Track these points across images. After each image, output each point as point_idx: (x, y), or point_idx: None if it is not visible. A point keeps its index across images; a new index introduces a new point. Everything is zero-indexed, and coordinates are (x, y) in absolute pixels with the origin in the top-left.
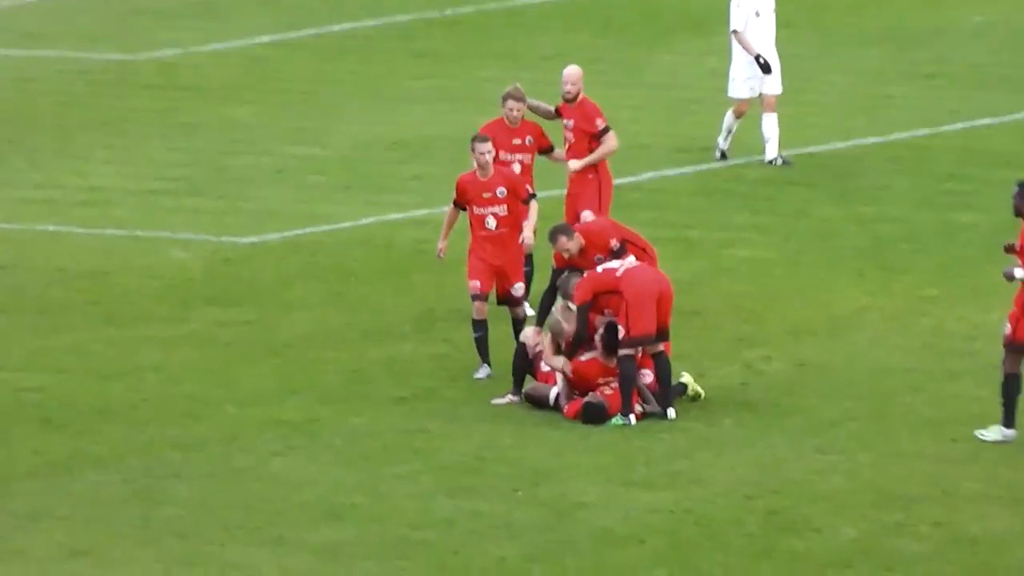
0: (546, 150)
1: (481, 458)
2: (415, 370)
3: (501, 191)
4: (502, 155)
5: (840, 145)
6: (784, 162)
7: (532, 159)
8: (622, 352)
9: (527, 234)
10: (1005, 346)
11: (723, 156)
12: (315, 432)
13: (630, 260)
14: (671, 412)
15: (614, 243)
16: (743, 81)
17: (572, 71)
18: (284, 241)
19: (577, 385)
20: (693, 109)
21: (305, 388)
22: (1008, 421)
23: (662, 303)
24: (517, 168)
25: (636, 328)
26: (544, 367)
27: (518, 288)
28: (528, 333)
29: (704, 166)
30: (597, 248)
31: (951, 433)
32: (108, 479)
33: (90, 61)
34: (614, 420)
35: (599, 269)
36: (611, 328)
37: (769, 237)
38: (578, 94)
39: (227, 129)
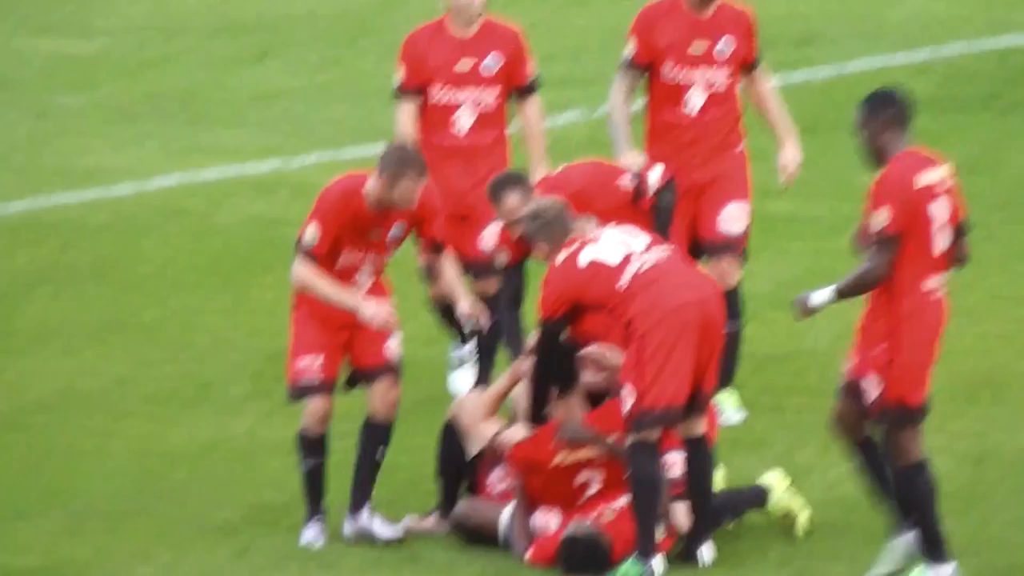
0: (523, 89)
1: None
2: (255, 469)
3: (398, 228)
4: (439, 94)
5: None
6: None
7: (503, 100)
8: (632, 439)
9: (464, 306)
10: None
11: None
12: None
13: (650, 251)
14: (705, 553)
15: (625, 180)
16: None
17: None
18: (9, 222)
19: (533, 488)
20: None
21: (52, 504)
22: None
23: (707, 338)
24: (469, 119)
25: (654, 392)
26: (493, 481)
27: (391, 348)
28: (467, 403)
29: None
30: (602, 198)
31: None
32: None
33: None
34: (623, 568)
35: (582, 262)
36: (563, 351)
37: None
38: None
39: None
